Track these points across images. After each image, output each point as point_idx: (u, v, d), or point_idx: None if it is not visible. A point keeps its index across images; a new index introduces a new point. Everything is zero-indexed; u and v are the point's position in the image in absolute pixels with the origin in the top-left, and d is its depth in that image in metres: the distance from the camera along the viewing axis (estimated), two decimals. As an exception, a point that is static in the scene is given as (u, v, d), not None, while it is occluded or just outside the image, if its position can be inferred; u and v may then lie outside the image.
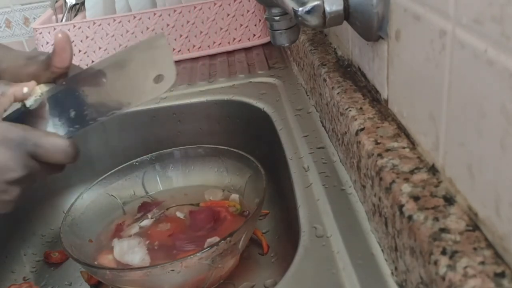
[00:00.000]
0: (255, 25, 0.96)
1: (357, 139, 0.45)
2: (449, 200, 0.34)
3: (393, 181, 0.37)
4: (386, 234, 0.39)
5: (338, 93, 0.52)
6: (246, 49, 0.97)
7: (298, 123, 0.66)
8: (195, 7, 0.93)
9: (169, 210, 0.69)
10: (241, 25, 0.96)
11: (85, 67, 0.73)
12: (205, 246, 0.59)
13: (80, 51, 0.94)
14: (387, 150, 0.40)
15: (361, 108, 0.48)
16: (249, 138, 0.77)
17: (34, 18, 1.29)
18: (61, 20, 1.02)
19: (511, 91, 0.25)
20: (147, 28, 0.94)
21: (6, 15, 1.30)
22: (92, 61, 0.95)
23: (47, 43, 0.94)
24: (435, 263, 0.30)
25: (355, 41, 0.53)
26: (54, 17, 1.03)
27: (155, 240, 0.62)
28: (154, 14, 0.93)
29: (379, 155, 0.40)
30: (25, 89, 0.44)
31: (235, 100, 0.78)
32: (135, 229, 0.66)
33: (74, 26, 0.93)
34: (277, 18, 0.56)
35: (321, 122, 0.64)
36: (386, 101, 0.46)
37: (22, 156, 0.41)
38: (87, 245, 0.63)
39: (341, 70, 0.58)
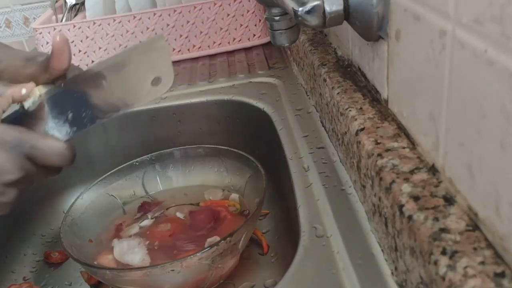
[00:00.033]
0: (255, 25, 0.96)
1: (357, 139, 0.45)
2: (449, 200, 0.34)
3: (393, 181, 0.37)
4: (386, 234, 0.39)
5: (338, 93, 0.52)
6: (246, 49, 0.97)
7: (298, 123, 0.66)
8: (195, 7, 0.93)
9: (169, 210, 0.69)
10: (241, 25, 0.96)
11: (85, 67, 0.73)
12: (205, 246, 0.59)
13: (80, 51, 0.94)
14: (387, 150, 0.40)
15: (361, 108, 0.48)
16: (249, 138, 0.77)
17: (34, 18, 1.29)
18: (61, 20, 1.02)
19: (511, 91, 0.25)
20: (147, 28, 0.94)
21: (6, 15, 1.30)
22: (92, 61, 0.95)
23: (47, 43, 0.94)
24: (435, 263, 0.30)
25: (355, 41, 0.53)
26: (54, 17, 1.03)
27: (155, 240, 0.62)
28: (154, 14, 0.93)
29: (379, 155, 0.40)
30: (24, 91, 0.44)
31: (235, 100, 0.78)
32: (135, 229, 0.66)
33: (74, 26, 0.93)
34: (277, 18, 0.56)
35: (321, 122, 0.64)
36: (386, 101, 0.46)
37: (18, 159, 0.41)
38: (87, 245, 0.62)
39: (341, 70, 0.58)
